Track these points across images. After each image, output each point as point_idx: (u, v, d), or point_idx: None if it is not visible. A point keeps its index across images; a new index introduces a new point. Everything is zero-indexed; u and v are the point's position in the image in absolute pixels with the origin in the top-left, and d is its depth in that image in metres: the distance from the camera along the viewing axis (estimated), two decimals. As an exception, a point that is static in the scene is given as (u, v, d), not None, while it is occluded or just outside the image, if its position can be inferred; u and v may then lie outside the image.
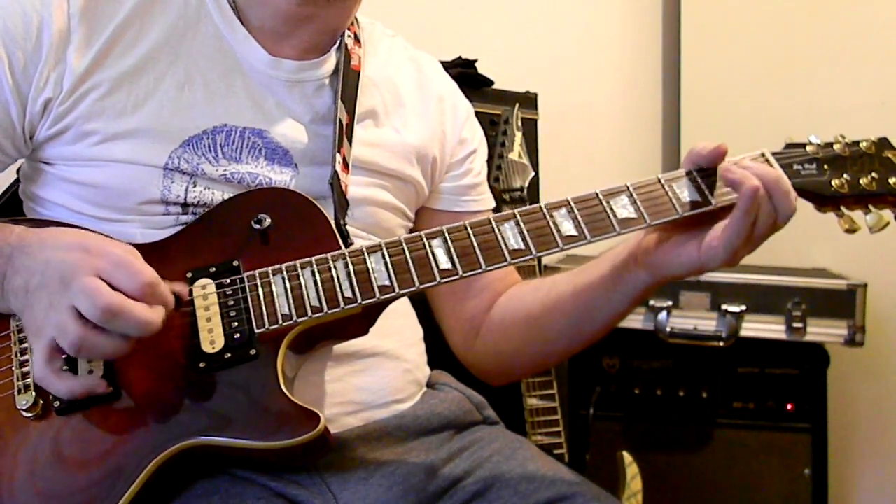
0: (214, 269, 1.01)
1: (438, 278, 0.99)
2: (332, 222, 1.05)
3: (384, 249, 1.00)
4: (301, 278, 0.99)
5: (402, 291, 0.98)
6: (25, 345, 0.99)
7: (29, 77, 1.03)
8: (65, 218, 1.07)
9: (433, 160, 1.24)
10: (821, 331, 1.97)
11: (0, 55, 1.02)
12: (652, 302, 2.00)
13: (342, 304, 0.97)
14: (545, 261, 2.05)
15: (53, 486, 0.93)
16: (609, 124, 2.56)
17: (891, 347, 2.32)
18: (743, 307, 1.98)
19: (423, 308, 1.31)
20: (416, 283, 0.99)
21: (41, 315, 0.90)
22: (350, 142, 1.14)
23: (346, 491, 1.04)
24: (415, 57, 1.30)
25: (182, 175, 1.06)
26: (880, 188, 1.04)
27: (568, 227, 1.00)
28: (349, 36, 1.18)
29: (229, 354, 0.96)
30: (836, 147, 1.07)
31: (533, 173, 1.78)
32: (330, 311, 0.97)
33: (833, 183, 1.04)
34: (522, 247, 1.00)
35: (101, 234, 1.00)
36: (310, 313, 0.97)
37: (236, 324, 0.97)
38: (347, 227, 1.10)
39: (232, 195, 1.07)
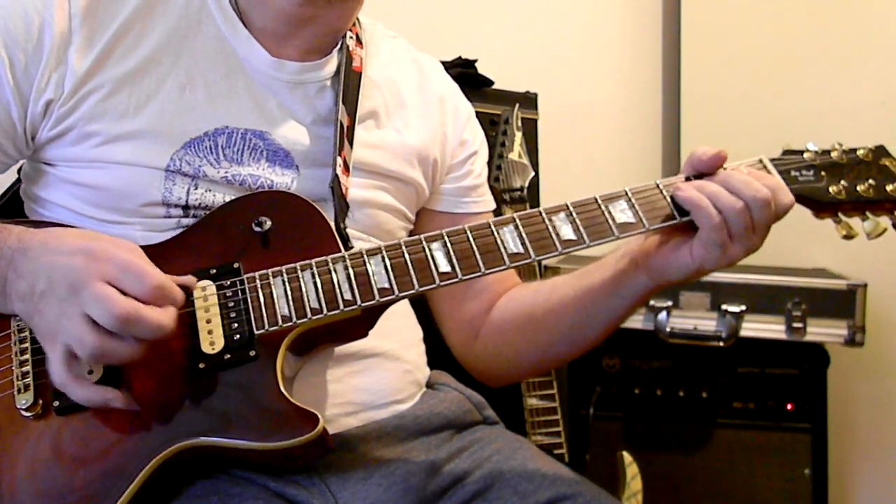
0: (215, 270, 1.01)
1: (437, 281, 0.99)
2: (332, 225, 1.05)
3: (384, 252, 1.00)
4: (301, 280, 0.99)
5: (401, 294, 0.99)
6: (26, 344, 0.99)
7: (30, 78, 1.03)
8: (66, 219, 1.08)
9: (434, 161, 1.24)
10: (821, 331, 1.97)
11: (2, 56, 1.02)
12: (652, 302, 2.00)
13: (341, 306, 0.98)
14: (545, 262, 2.05)
15: (52, 486, 0.93)
16: (609, 124, 2.55)
17: (891, 347, 2.32)
18: (743, 307, 1.97)
19: (423, 308, 1.31)
20: (416, 286, 0.99)
21: (53, 322, 0.91)
22: (351, 144, 1.14)
23: (345, 491, 1.04)
24: (416, 58, 1.30)
25: (183, 177, 1.06)
26: (877, 195, 1.05)
27: (567, 232, 1.01)
28: (351, 37, 1.18)
29: (229, 355, 0.96)
30: (833, 154, 1.08)
31: (533, 173, 1.78)
32: (329, 313, 0.98)
33: (830, 189, 1.05)
34: (522, 250, 1.00)
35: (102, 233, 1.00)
36: (309, 315, 0.97)
37: (236, 325, 0.98)
38: (347, 229, 1.10)
39: (233, 197, 1.08)
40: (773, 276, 2.01)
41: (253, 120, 1.10)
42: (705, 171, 1.04)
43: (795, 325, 1.96)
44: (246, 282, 1.00)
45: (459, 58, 1.99)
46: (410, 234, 1.24)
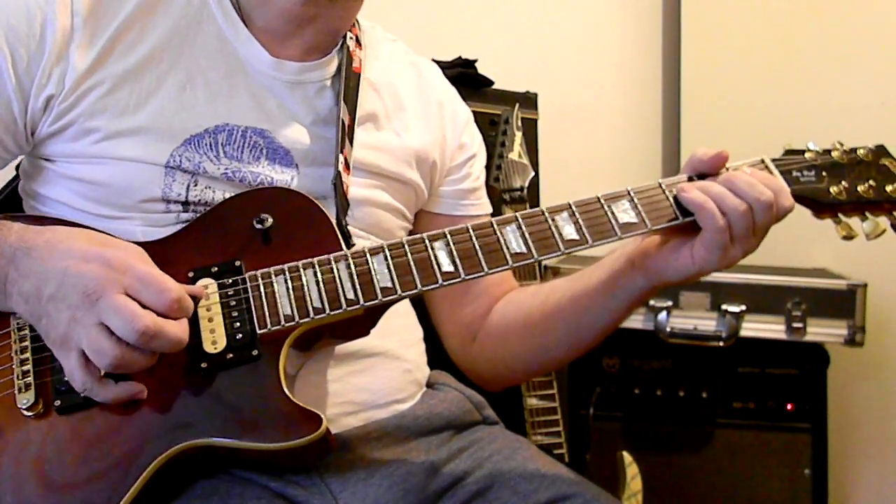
0: (216, 268, 1.01)
1: (440, 280, 0.99)
2: (334, 222, 1.05)
3: (386, 251, 1.00)
4: (303, 279, 0.99)
5: (404, 293, 0.99)
6: (26, 343, 0.99)
7: (31, 74, 1.03)
8: (65, 215, 1.07)
9: (433, 164, 1.24)
10: (821, 331, 1.98)
11: (3, 52, 1.02)
12: (652, 302, 2.00)
13: (344, 306, 0.98)
14: (546, 262, 2.05)
15: (54, 485, 0.93)
16: (609, 124, 2.56)
17: (891, 347, 2.32)
18: (743, 307, 1.98)
19: (424, 308, 1.31)
20: (419, 285, 0.99)
21: (64, 328, 0.91)
22: (351, 143, 1.14)
23: (345, 491, 1.04)
24: (415, 62, 1.30)
25: (183, 173, 1.06)
26: (877, 196, 1.06)
27: (569, 231, 1.01)
28: (351, 38, 1.19)
29: (231, 355, 0.96)
30: (834, 154, 1.08)
31: (533, 173, 1.78)
32: (332, 313, 0.97)
33: (831, 190, 1.05)
34: (524, 250, 1.00)
35: (104, 232, 1.00)
36: (312, 314, 0.97)
37: (238, 324, 0.97)
38: (348, 227, 1.10)
39: (233, 194, 1.07)
40: (773, 276, 2.01)
41: (253, 118, 1.10)
42: (707, 171, 1.04)
43: (795, 325, 1.97)
44: (248, 280, 1.00)
45: (459, 58, 1.99)
46: (410, 234, 1.24)
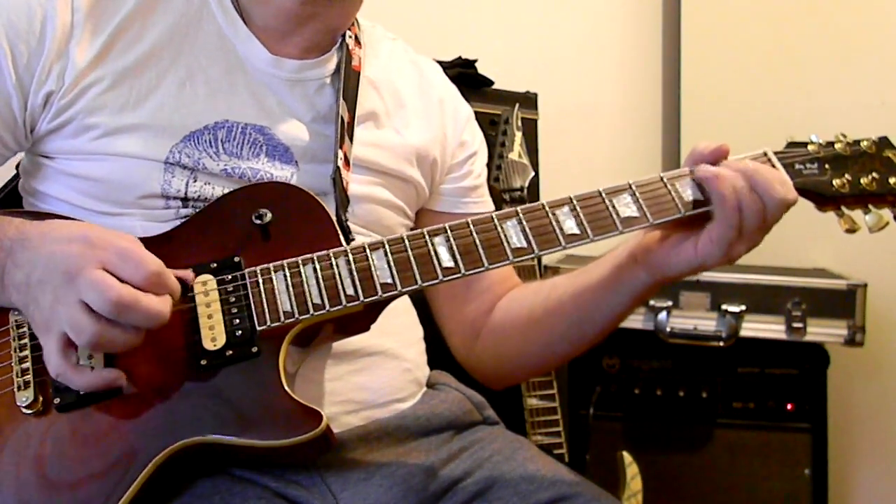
0: (215, 264, 1.00)
1: (441, 276, 0.98)
2: (334, 218, 1.05)
3: (386, 246, 1.00)
4: (303, 275, 0.98)
5: (404, 289, 0.98)
6: (25, 340, 0.98)
7: (31, 70, 1.03)
8: (65, 212, 1.07)
9: (433, 161, 1.24)
10: (821, 331, 1.98)
11: (4, 48, 1.03)
12: (652, 302, 2.00)
13: (344, 302, 0.97)
14: (545, 262, 2.05)
15: (54, 484, 0.93)
16: (609, 124, 2.56)
17: (891, 347, 2.32)
18: (743, 307, 1.98)
19: (424, 308, 1.31)
20: (419, 281, 0.98)
21: (47, 310, 0.90)
22: (351, 140, 1.14)
23: (346, 491, 1.04)
24: (415, 60, 1.31)
25: (183, 169, 1.06)
26: (880, 188, 1.05)
27: (570, 226, 1.00)
28: (350, 36, 1.19)
29: (231, 352, 0.96)
30: (837, 146, 1.07)
31: (533, 173, 1.78)
32: (332, 309, 0.97)
33: (834, 182, 1.05)
34: (525, 245, 1.00)
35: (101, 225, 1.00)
36: (312, 311, 0.97)
37: (238, 321, 0.97)
38: (348, 223, 1.10)
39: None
40: (773, 276, 2.01)
41: (253, 115, 1.10)
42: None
43: (795, 325, 1.97)
44: (247, 276, 0.99)
45: (459, 58, 1.99)
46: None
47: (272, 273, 0.99)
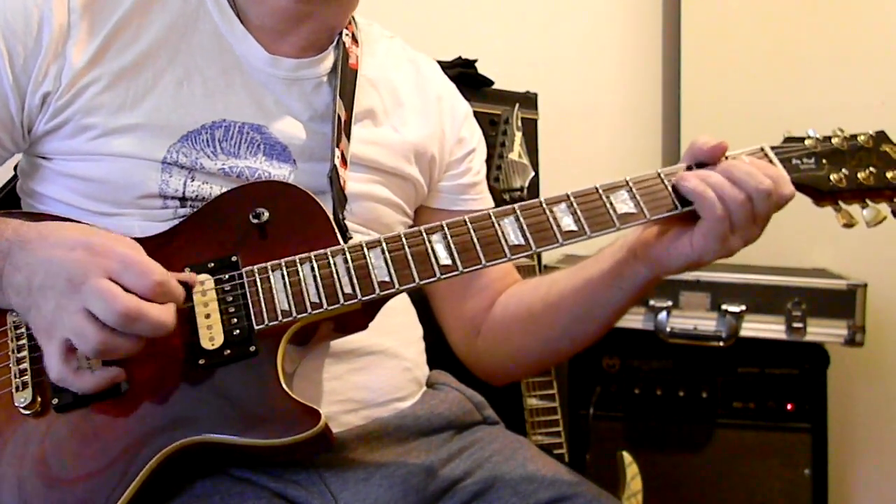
0: (213, 264, 1.00)
1: (438, 274, 0.98)
2: (331, 217, 1.05)
3: (384, 244, 1.00)
4: (300, 274, 0.98)
5: (401, 287, 0.98)
6: (23, 341, 0.98)
7: (28, 71, 1.04)
8: (63, 213, 1.07)
9: (431, 158, 1.24)
10: (821, 331, 1.98)
11: (0, 50, 1.03)
12: (652, 302, 2.00)
13: (342, 300, 0.97)
14: (545, 262, 2.05)
15: (53, 484, 0.93)
16: (609, 124, 2.56)
17: (891, 347, 2.32)
18: (743, 307, 1.98)
19: (423, 307, 1.31)
20: (416, 279, 0.98)
21: (49, 315, 0.90)
22: (348, 138, 1.14)
23: (346, 491, 1.03)
24: (413, 58, 1.30)
25: (180, 169, 1.06)
26: (877, 182, 1.05)
27: (568, 223, 1.00)
28: (347, 35, 1.19)
29: (229, 351, 0.96)
30: (834, 141, 1.07)
31: (533, 173, 1.78)
32: (329, 308, 0.97)
33: (831, 177, 1.05)
34: (522, 242, 0.99)
35: (101, 228, 1.00)
36: (309, 309, 0.97)
37: (235, 320, 0.97)
38: (346, 221, 1.10)
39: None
40: (773, 276, 2.01)
41: (250, 114, 1.10)
42: (706, 160, 1.03)
43: (795, 325, 1.97)
44: (244, 275, 0.99)
45: (459, 58, 1.99)
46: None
47: (270, 272, 0.99)
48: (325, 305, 0.97)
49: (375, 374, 1.13)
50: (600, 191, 1.01)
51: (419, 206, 1.28)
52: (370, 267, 0.98)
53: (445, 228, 1.00)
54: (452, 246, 0.99)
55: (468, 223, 1.00)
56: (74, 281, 0.89)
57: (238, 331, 0.96)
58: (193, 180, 1.07)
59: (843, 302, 1.97)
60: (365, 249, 0.99)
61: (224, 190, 1.07)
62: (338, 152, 1.11)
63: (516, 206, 1.01)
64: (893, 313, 2.27)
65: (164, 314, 0.90)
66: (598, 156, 2.51)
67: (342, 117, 1.13)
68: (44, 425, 0.95)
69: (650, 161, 2.54)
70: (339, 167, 1.10)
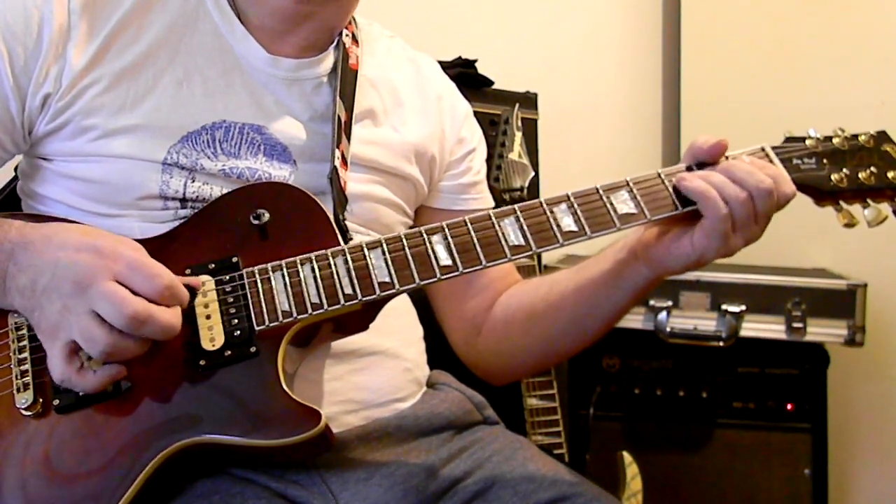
0: (213, 265, 1.00)
1: (439, 274, 0.98)
2: (331, 217, 1.05)
3: (384, 245, 1.00)
4: (301, 275, 0.98)
5: (402, 288, 0.98)
6: (24, 342, 0.98)
7: (29, 72, 1.03)
8: (63, 214, 1.07)
9: (431, 158, 1.24)
10: (821, 331, 1.98)
11: (1, 51, 1.02)
12: (652, 302, 2.00)
13: (342, 301, 0.97)
14: (545, 262, 2.05)
15: (54, 485, 0.93)
16: (609, 124, 2.56)
17: (891, 347, 2.32)
18: (743, 307, 1.98)
19: (424, 307, 1.31)
20: (417, 280, 0.98)
21: (54, 317, 0.91)
22: (348, 139, 1.14)
23: (346, 491, 1.03)
24: (413, 57, 1.30)
25: (181, 170, 1.06)
26: (878, 182, 1.05)
27: (568, 223, 1.00)
28: (347, 35, 1.19)
29: (229, 352, 0.96)
30: (835, 141, 1.07)
31: (533, 173, 1.78)
32: (330, 308, 0.97)
33: (832, 177, 1.05)
34: (522, 242, 1.00)
35: (102, 229, 1.00)
36: (310, 310, 0.97)
37: (236, 321, 0.97)
38: (346, 222, 1.10)
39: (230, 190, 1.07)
40: (773, 276, 2.01)
41: (250, 114, 1.10)
42: (706, 160, 1.04)
43: (795, 325, 1.97)
44: (245, 276, 0.99)
45: (459, 58, 1.99)
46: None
47: (270, 273, 0.99)
48: (325, 306, 0.97)
49: (376, 374, 1.13)
50: (600, 191, 1.02)
51: (419, 205, 1.28)
52: (370, 267, 0.99)
53: (446, 229, 1.00)
54: (453, 246, 0.99)
55: (468, 224, 1.00)
56: (81, 283, 0.89)
57: (239, 332, 0.97)
58: (194, 181, 1.07)
59: (843, 302, 1.97)
60: (365, 250, 0.99)
61: (225, 191, 1.07)
62: (338, 153, 1.11)
63: (516, 206, 1.01)
64: (893, 313, 2.27)
65: (172, 317, 0.91)
66: (598, 156, 2.51)
67: (342, 118, 1.13)
68: (45, 426, 0.95)
69: (650, 161, 2.54)
70: (339, 168, 1.10)
